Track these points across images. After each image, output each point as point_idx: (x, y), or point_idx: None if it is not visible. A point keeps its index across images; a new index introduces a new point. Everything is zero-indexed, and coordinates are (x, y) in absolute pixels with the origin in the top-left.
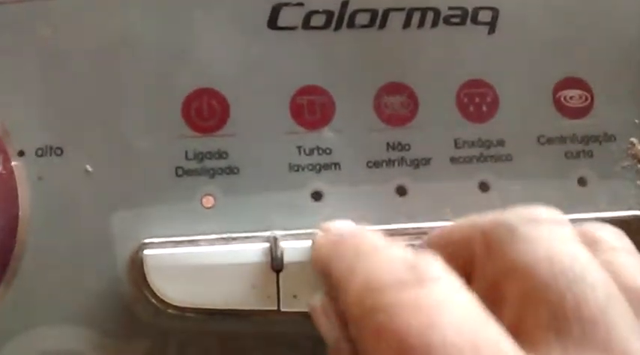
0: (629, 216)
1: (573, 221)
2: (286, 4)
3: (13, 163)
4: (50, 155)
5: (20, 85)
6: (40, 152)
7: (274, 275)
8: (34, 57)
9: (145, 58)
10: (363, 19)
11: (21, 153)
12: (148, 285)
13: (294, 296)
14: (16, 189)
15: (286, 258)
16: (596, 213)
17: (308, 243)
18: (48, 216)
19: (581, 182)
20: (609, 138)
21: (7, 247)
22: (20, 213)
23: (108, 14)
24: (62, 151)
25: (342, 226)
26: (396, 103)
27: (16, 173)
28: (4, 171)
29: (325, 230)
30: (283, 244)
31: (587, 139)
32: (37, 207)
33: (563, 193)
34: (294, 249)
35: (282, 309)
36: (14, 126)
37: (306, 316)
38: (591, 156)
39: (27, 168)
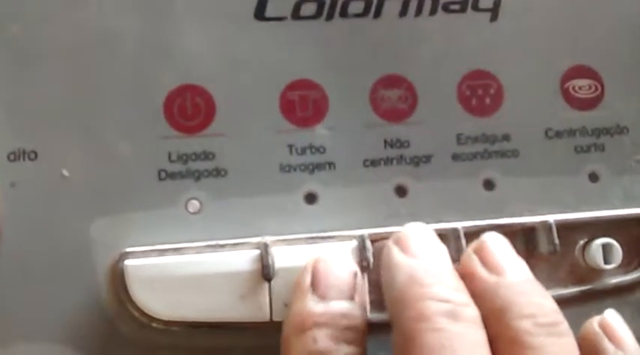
0: None
1: (586, 219)
2: None
3: None
4: (23, 159)
5: None
6: (12, 156)
7: (265, 284)
8: (4, 56)
9: (122, 54)
10: (356, 7)
11: None
12: (130, 298)
13: (287, 305)
14: None
15: (278, 264)
16: (609, 210)
17: (301, 248)
18: (22, 225)
19: (593, 177)
20: (621, 130)
21: None
22: None
23: (82, 9)
24: (36, 155)
25: (419, 244)
26: (394, 97)
27: None
28: None
29: (402, 245)
30: (274, 250)
31: (598, 132)
32: (10, 216)
33: (574, 190)
34: (285, 253)
35: (275, 319)
36: None
37: None
38: (603, 149)
39: None
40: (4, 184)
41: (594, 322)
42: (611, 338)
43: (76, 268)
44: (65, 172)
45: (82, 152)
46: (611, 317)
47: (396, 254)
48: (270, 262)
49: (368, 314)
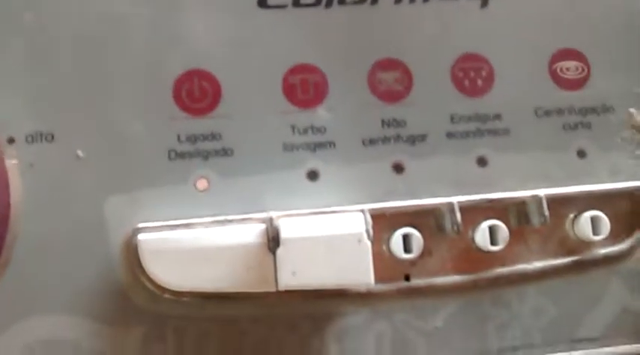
0: (630, 187)
1: (575, 194)
2: None
3: (3, 151)
4: (41, 141)
5: (8, 72)
6: (30, 138)
7: (271, 256)
8: (21, 44)
9: (133, 40)
10: None
11: (11, 140)
12: (143, 270)
13: (293, 273)
14: (6, 177)
15: (283, 234)
16: (597, 184)
17: (305, 220)
18: (40, 203)
19: (581, 154)
20: (607, 109)
21: None
22: (11, 201)
23: None
24: (53, 137)
25: None
26: (390, 79)
27: (7, 160)
28: None
29: None
30: (279, 222)
31: (585, 111)
32: (29, 194)
33: (563, 166)
34: (290, 225)
35: (280, 287)
36: (3, 113)
37: (304, 296)
38: (590, 127)
39: (17, 155)
40: (23, 165)
41: None
42: None
43: (92, 243)
44: (80, 153)
45: (96, 134)
46: None
47: None
48: (275, 235)
49: (372, 283)
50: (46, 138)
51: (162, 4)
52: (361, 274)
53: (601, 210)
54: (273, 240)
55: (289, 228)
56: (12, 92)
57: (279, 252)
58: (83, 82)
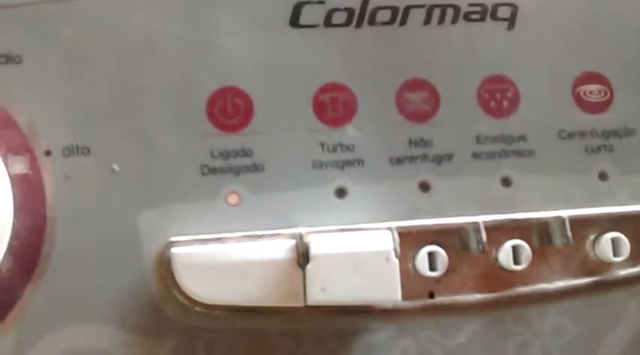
0: None
1: (596, 215)
2: (308, 2)
3: (40, 163)
4: (77, 154)
5: (46, 85)
6: (66, 151)
7: (300, 271)
8: (59, 57)
9: (168, 57)
10: (384, 16)
11: (48, 153)
12: (176, 283)
13: (323, 289)
14: (43, 189)
15: (313, 251)
16: (618, 207)
17: (334, 236)
18: (75, 216)
19: (602, 176)
20: (629, 132)
21: (35, 247)
22: (48, 213)
23: (130, 14)
24: (89, 151)
25: None
26: (418, 100)
27: (43, 173)
28: (31, 171)
29: None
30: (309, 238)
31: (607, 134)
32: (65, 207)
33: (584, 188)
34: (319, 242)
35: (309, 303)
36: (41, 126)
37: (331, 311)
38: (612, 150)
39: (54, 168)
40: (59, 177)
41: None
42: None
43: (125, 256)
44: (115, 167)
45: (131, 148)
46: None
47: None
48: (304, 251)
49: (400, 300)
50: (82, 152)
51: (197, 20)
52: (389, 291)
53: (621, 232)
54: (302, 256)
55: (319, 245)
56: (50, 105)
57: (309, 267)
58: (119, 96)
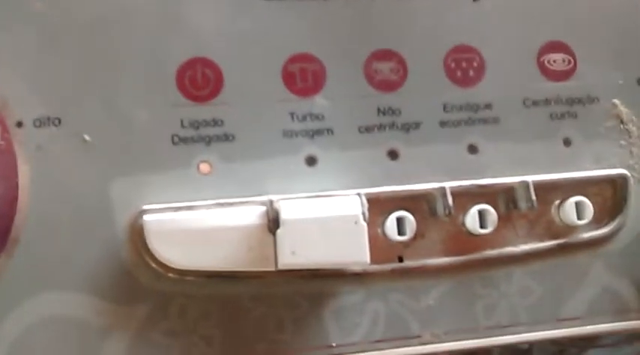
0: (613, 174)
1: (560, 180)
2: None
3: (11, 134)
4: (48, 125)
5: (17, 57)
6: (38, 123)
7: (271, 237)
8: (30, 30)
9: (138, 28)
10: None
11: (19, 124)
12: (149, 250)
13: (293, 253)
14: (15, 160)
15: (283, 216)
16: (582, 172)
17: (304, 202)
18: (48, 186)
19: (566, 142)
20: (592, 99)
21: (7, 216)
22: (20, 183)
23: None
24: (60, 121)
25: None
26: (386, 69)
27: (15, 144)
28: (2, 142)
29: None
30: (279, 204)
31: (571, 101)
32: (37, 177)
33: (549, 154)
34: (290, 207)
35: (280, 267)
36: (12, 97)
37: (302, 275)
38: (575, 117)
39: (25, 139)
40: (31, 148)
41: None
42: None
43: (98, 225)
44: (87, 137)
45: (102, 119)
46: None
47: None
48: (274, 216)
49: (368, 262)
50: (53, 123)
51: None
52: (358, 254)
53: (585, 196)
54: (273, 222)
55: (289, 210)
56: (21, 77)
57: (279, 232)
58: (90, 67)
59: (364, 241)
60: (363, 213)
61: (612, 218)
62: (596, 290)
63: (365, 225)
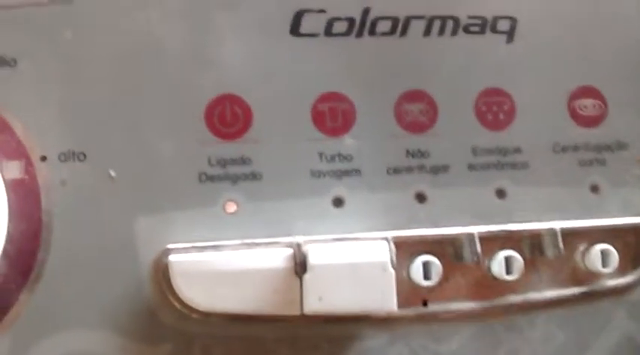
0: (638, 223)
1: (587, 227)
2: (308, 11)
3: (35, 168)
4: (73, 160)
5: (43, 89)
6: (62, 157)
7: (297, 280)
8: (57, 61)
9: (167, 63)
10: (384, 26)
11: (43, 158)
12: (173, 290)
13: (320, 299)
14: (38, 194)
15: (311, 260)
16: (608, 219)
17: (332, 246)
18: (71, 221)
19: (594, 189)
20: (622, 146)
21: (30, 252)
22: (43, 218)
23: (130, 18)
24: (85, 156)
25: None
26: (416, 111)
27: (39, 178)
28: (26, 176)
29: None
30: (306, 247)
31: (600, 147)
32: (61, 212)
33: (577, 200)
34: (316, 252)
35: (306, 312)
36: (37, 131)
37: (327, 319)
38: (604, 164)
39: (50, 173)
40: (55, 183)
41: None
42: None
43: (122, 262)
44: (112, 173)
45: (128, 154)
46: None
47: None
48: (301, 260)
49: (396, 309)
50: (78, 157)
51: (198, 26)
52: (385, 301)
53: (611, 244)
54: (300, 265)
55: (317, 254)
56: (45, 110)
57: (307, 277)
58: (116, 101)
59: (392, 288)
60: (391, 260)
61: (635, 266)
62: (618, 338)
63: (393, 272)
